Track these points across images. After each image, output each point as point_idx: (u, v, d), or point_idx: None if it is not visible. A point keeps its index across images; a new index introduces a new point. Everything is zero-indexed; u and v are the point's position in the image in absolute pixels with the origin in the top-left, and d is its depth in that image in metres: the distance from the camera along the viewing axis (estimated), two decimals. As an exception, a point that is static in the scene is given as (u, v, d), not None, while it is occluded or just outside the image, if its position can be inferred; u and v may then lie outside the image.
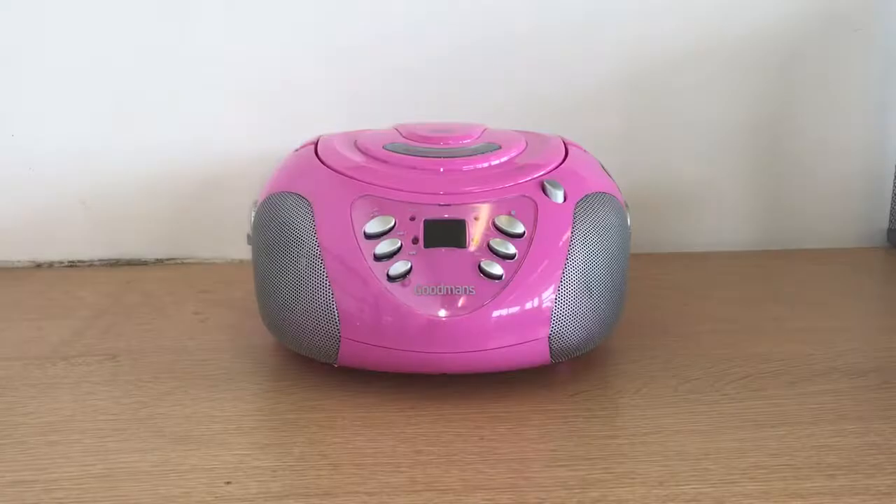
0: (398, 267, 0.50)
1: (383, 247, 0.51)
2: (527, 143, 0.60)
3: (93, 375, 0.56)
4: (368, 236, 0.51)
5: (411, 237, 0.51)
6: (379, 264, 0.50)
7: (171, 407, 0.52)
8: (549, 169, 0.56)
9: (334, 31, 0.81)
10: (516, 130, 0.65)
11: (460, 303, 0.49)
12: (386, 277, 0.50)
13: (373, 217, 0.52)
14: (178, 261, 0.85)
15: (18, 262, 0.84)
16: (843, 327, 0.65)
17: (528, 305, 0.50)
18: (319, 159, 0.58)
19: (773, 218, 0.89)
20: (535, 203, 0.53)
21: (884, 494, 0.42)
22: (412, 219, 0.52)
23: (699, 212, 0.88)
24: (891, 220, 0.89)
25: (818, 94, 0.87)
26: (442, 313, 0.49)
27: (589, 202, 0.54)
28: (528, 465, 0.45)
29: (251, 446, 0.47)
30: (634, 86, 0.84)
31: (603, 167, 0.60)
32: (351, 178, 0.55)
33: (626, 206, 0.58)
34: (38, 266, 0.84)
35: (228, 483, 0.43)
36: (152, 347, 0.61)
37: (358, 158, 0.57)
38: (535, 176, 0.55)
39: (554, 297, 0.51)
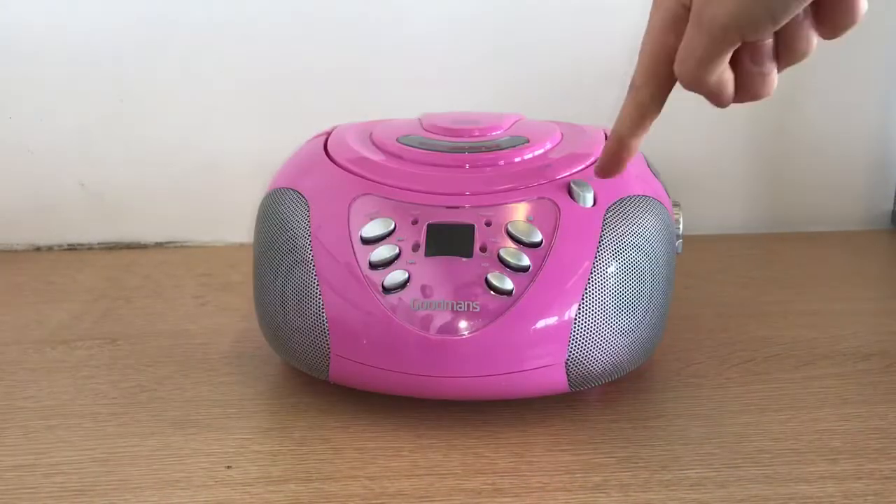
0: (394, 277, 0.45)
1: (380, 253, 0.45)
2: (562, 137, 0.54)
3: (92, 359, 0.56)
4: (365, 241, 0.46)
5: (412, 243, 0.46)
6: (374, 273, 0.45)
7: (170, 391, 0.51)
8: (579, 168, 0.50)
9: (339, 14, 0.81)
10: (555, 122, 0.58)
11: (462, 320, 0.44)
12: (381, 288, 0.45)
13: (371, 219, 0.47)
14: (178, 244, 0.84)
15: (18, 245, 0.84)
16: (848, 311, 0.65)
17: (541, 325, 0.44)
18: (326, 152, 0.53)
19: (776, 201, 0.89)
20: (558, 207, 0.47)
21: (887, 478, 0.41)
22: (414, 222, 0.46)
23: (702, 194, 0.88)
24: (895, 203, 0.89)
25: (823, 76, 0.86)
26: (440, 332, 0.44)
27: (624, 207, 0.47)
28: (530, 449, 0.44)
29: (252, 430, 0.47)
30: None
31: (649, 165, 0.54)
32: (353, 174, 0.50)
33: (678, 210, 0.52)
34: (38, 249, 0.84)
35: (229, 467, 0.43)
36: (152, 331, 0.61)
37: (365, 152, 0.52)
38: (562, 176, 0.49)
39: (574, 316, 0.44)
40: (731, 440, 0.45)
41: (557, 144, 0.53)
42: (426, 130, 0.55)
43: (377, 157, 0.51)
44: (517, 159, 0.50)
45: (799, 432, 0.46)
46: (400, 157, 0.51)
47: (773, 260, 0.79)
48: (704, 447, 0.44)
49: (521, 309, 0.44)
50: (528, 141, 0.52)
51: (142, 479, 0.42)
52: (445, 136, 0.54)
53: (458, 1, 0.81)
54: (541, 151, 0.52)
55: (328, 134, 0.57)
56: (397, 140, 0.53)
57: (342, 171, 0.51)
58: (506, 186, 0.48)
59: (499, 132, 0.54)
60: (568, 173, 0.49)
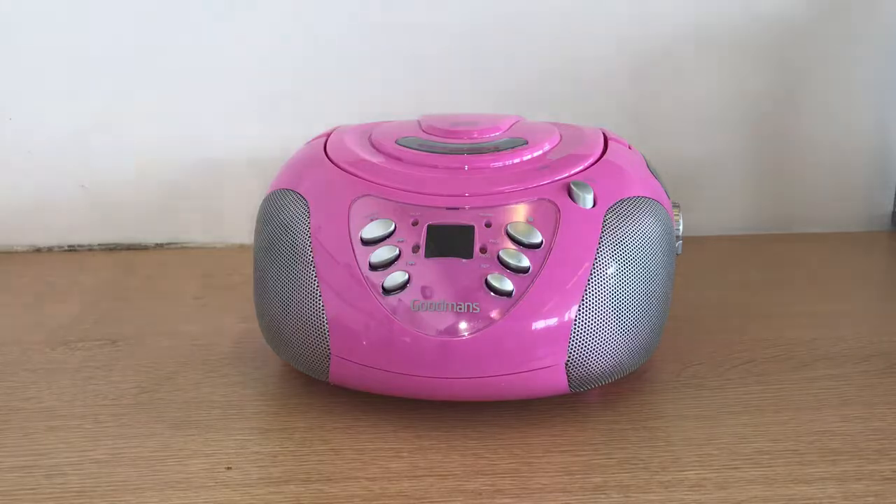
0: (394, 278, 0.45)
1: (380, 254, 0.46)
2: (561, 138, 0.54)
3: (92, 360, 0.56)
4: (365, 242, 0.46)
5: (412, 244, 0.46)
6: (375, 274, 0.45)
7: (170, 392, 0.51)
8: (578, 169, 0.50)
9: (339, 15, 0.81)
10: (553, 123, 0.59)
11: (462, 322, 0.44)
12: (381, 290, 0.45)
13: (371, 220, 0.47)
14: (179, 245, 0.84)
15: (18, 246, 0.84)
16: (847, 312, 0.65)
17: (541, 326, 0.44)
18: (326, 153, 0.53)
19: (776, 201, 0.89)
20: (558, 208, 0.47)
21: (887, 479, 0.42)
22: (414, 223, 0.46)
23: (701, 195, 0.88)
24: (895, 204, 0.89)
25: (823, 76, 0.86)
26: (440, 333, 0.44)
27: (623, 208, 0.48)
28: (530, 451, 0.44)
29: (252, 431, 0.47)
30: (635, 68, 0.84)
31: (650, 166, 0.55)
32: (353, 175, 0.50)
33: (678, 211, 0.53)
34: (38, 250, 0.84)
35: (229, 468, 0.43)
36: (152, 332, 0.61)
37: (365, 154, 0.52)
38: (561, 177, 0.49)
39: (574, 317, 0.45)
40: (731, 441, 0.45)
41: (556, 145, 0.53)
42: (425, 132, 0.55)
43: (377, 158, 0.52)
44: (517, 160, 0.51)
45: (798, 433, 0.46)
46: (399, 159, 0.51)
47: (772, 261, 0.79)
48: (704, 448, 0.44)
49: (521, 310, 0.44)
50: (527, 142, 0.52)
51: (142, 480, 0.42)
52: (444, 137, 0.54)
53: (457, 1, 0.81)
54: (540, 153, 0.52)
55: (328, 135, 0.57)
56: (396, 142, 0.53)
57: (342, 172, 0.51)
58: (505, 188, 0.48)
59: (497, 133, 0.54)
60: (567, 174, 0.49)
